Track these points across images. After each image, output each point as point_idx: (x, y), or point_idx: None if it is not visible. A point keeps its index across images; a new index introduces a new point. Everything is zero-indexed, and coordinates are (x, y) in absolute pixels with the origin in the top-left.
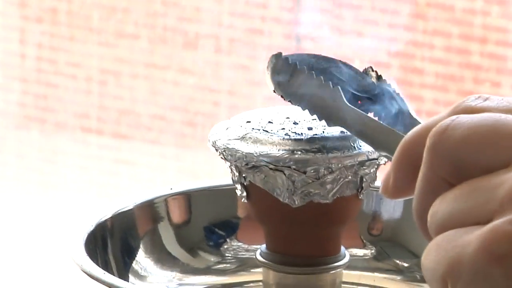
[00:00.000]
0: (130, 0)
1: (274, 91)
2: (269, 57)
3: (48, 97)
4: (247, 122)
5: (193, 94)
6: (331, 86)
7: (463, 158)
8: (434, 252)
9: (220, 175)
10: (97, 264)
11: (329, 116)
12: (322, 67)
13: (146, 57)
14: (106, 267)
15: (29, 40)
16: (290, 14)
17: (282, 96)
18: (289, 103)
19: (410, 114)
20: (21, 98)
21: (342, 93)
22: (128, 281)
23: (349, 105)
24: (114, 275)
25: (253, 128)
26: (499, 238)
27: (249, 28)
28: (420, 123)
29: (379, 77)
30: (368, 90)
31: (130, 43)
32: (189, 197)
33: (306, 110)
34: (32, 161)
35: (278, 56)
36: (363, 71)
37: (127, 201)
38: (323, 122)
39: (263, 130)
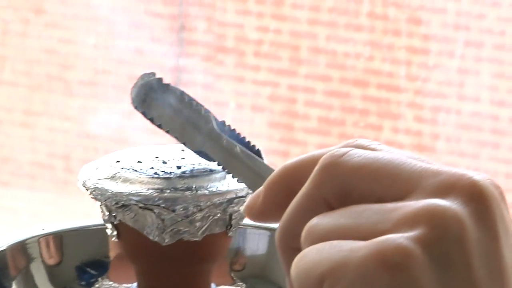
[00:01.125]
0: (8, 48)
1: (135, 107)
2: (141, 74)
3: None
4: (117, 161)
5: (72, 141)
6: (203, 111)
7: (355, 184)
8: (313, 255)
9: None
10: None
11: (193, 140)
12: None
13: (24, 104)
14: None
15: None
16: (171, 61)
17: (143, 113)
18: (149, 121)
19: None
20: None
21: (213, 119)
22: None
23: (219, 131)
24: None
25: (122, 168)
26: (393, 248)
27: (128, 74)
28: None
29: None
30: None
31: (8, 90)
32: (61, 237)
33: (168, 132)
34: None
35: (151, 74)
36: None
37: (0, 242)
38: (192, 160)
39: (133, 169)
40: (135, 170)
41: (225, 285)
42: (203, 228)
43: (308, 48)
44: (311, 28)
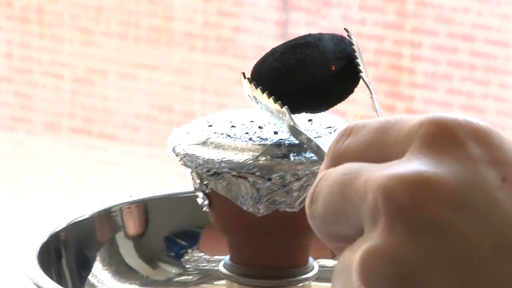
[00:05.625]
0: (116, 1)
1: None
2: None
3: (32, 97)
4: (209, 126)
5: (182, 94)
6: (280, 107)
7: (328, 230)
8: None
9: None
10: (51, 277)
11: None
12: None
13: (133, 56)
14: (60, 280)
15: (14, 40)
16: (278, 13)
17: None
18: None
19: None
20: (6, 98)
21: (288, 114)
22: None
23: (298, 127)
24: None
25: (215, 132)
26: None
27: (232, 27)
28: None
29: (349, 36)
30: (349, 54)
31: (116, 42)
32: (147, 206)
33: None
34: (17, 162)
35: (243, 77)
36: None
37: (83, 210)
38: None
39: (226, 134)
40: (229, 136)
41: (325, 259)
42: (301, 198)
43: (415, 1)
44: None
